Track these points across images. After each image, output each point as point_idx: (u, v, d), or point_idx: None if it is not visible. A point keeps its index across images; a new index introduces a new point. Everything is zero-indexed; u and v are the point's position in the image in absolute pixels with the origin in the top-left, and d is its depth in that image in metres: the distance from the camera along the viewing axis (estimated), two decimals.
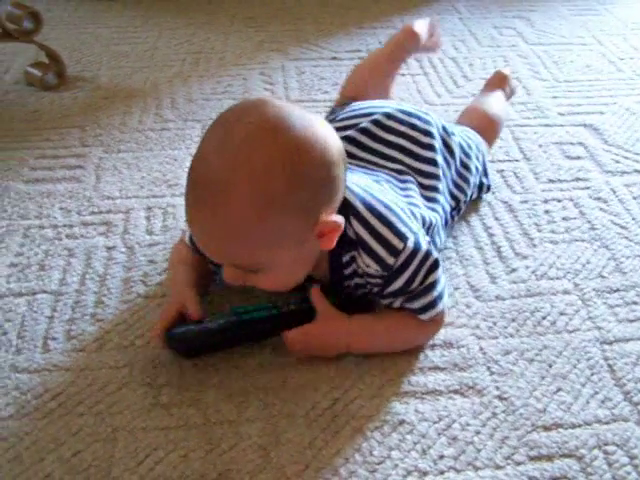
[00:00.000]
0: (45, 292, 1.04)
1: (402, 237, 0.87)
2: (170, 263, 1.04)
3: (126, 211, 1.20)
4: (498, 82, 1.41)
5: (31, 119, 1.47)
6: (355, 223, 0.88)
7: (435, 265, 0.90)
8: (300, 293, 0.93)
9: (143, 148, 1.37)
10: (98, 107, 1.51)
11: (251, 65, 1.70)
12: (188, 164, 1.27)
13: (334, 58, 1.74)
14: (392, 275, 0.88)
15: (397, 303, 0.92)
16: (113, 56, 1.74)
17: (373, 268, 0.89)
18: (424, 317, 0.92)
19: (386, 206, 0.89)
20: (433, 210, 1.02)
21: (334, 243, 0.84)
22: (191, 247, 0.97)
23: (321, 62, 1.72)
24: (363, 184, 0.91)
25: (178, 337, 0.90)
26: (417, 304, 0.91)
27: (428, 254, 0.89)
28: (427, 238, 0.91)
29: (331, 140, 0.81)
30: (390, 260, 0.87)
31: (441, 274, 0.91)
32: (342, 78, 1.61)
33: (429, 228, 0.98)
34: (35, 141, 1.39)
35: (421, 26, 1.35)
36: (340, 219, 0.83)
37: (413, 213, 0.94)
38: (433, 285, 0.90)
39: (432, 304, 0.91)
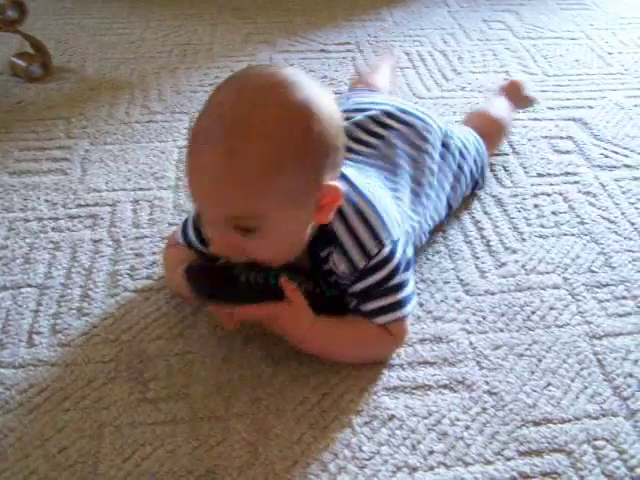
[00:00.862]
0: (30, 286, 1.02)
1: (379, 242, 0.86)
2: (167, 266, 1.00)
3: (112, 204, 1.19)
4: (508, 89, 1.41)
5: (16, 110, 1.45)
6: (336, 218, 0.85)
7: (403, 277, 0.89)
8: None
9: (130, 140, 1.36)
10: (84, 98, 1.49)
11: (239, 57, 1.68)
12: (176, 156, 1.30)
13: (322, 50, 1.73)
14: (359, 277, 0.87)
15: (354, 303, 0.90)
16: (99, 47, 1.72)
17: (341, 269, 0.87)
18: (378, 321, 0.89)
19: (371, 206, 0.87)
20: (415, 212, 1.00)
21: (330, 216, 0.83)
22: (185, 245, 0.96)
23: (309, 54, 1.70)
24: (353, 179, 0.89)
25: (204, 273, 0.86)
26: (369, 306, 0.89)
27: (398, 267, 0.87)
28: (409, 250, 0.91)
29: (336, 109, 0.81)
30: (361, 263, 0.86)
31: (407, 287, 0.90)
32: (330, 71, 1.62)
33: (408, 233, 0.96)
34: (20, 132, 1.37)
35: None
36: (341, 186, 0.81)
37: (402, 215, 0.94)
38: (394, 290, 0.88)
39: (385, 309, 0.89)
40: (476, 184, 1.20)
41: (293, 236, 0.83)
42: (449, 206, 1.12)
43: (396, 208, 0.94)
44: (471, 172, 1.16)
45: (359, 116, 1.04)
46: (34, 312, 0.98)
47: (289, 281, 0.85)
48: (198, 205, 0.81)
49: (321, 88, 0.79)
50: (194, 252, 0.95)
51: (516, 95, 1.41)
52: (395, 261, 0.87)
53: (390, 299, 0.89)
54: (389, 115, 1.06)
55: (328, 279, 0.91)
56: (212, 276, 0.85)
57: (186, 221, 0.97)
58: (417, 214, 1.00)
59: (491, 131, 1.29)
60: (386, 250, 0.86)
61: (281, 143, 0.73)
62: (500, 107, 1.36)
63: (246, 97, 0.74)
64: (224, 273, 0.84)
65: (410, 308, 0.91)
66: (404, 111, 1.07)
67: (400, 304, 0.89)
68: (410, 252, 0.91)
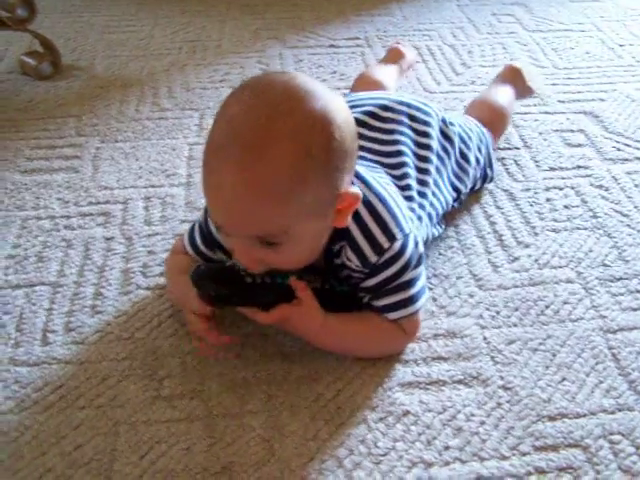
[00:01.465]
0: (43, 284, 1.02)
1: (391, 237, 0.85)
2: (169, 275, 0.99)
3: (124, 201, 1.19)
4: (510, 76, 1.40)
5: (26, 109, 1.45)
6: None
7: (415, 273, 0.88)
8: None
9: (140, 137, 1.36)
10: (94, 96, 1.49)
11: (248, 53, 1.68)
12: (186, 153, 1.30)
13: (332, 46, 1.72)
14: (371, 272, 0.87)
15: (366, 299, 0.90)
16: (108, 45, 1.72)
17: (354, 263, 0.87)
18: (390, 317, 0.89)
19: (383, 202, 0.87)
20: (421, 205, 0.99)
21: (348, 219, 0.83)
22: (193, 254, 0.95)
23: (319, 50, 1.70)
24: (365, 175, 0.89)
25: (209, 275, 0.85)
26: (381, 302, 0.89)
27: (410, 262, 0.87)
28: (420, 245, 0.90)
29: (348, 110, 0.80)
30: (373, 258, 0.86)
31: (418, 282, 0.90)
32: (340, 66, 1.61)
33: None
34: (31, 131, 1.38)
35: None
36: (359, 191, 0.81)
37: (410, 210, 0.94)
38: (406, 286, 0.88)
39: (398, 305, 0.89)
40: (486, 176, 1.19)
41: (314, 243, 0.83)
42: (457, 195, 1.11)
43: (405, 203, 0.94)
44: (477, 161, 1.15)
45: (356, 114, 1.03)
46: (48, 310, 0.98)
47: (299, 280, 0.85)
48: (219, 223, 0.80)
49: (333, 94, 0.78)
50: (201, 260, 0.95)
51: (516, 81, 1.40)
52: (407, 255, 0.86)
53: (402, 295, 0.88)
54: (386, 108, 1.05)
55: (340, 274, 0.91)
56: (218, 279, 0.84)
57: (192, 228, 0.96)
58: (423, 208, 0.99)
59: (494, 119, 1.28)
60: (397, 244, 0.85)
61: (302, 156, 0.72)
62: (502, 94, 1.36)
63: (262, 111, 0.72)
64: (230, 275, 0.84)
65: (421, 303, 0.91)
66: (401, 102, 1.07)
67: (412, 300, 0.89)
68: (421, 246, 0.91)
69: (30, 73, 1.56)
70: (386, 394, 0.87)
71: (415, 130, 1.04)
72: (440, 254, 1.08)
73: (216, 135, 0.75)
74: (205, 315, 0.88)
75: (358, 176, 0.87)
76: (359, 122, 1.01)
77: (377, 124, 1.03)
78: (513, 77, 1.39)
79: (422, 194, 1.00)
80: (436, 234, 1.05)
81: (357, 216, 0.85)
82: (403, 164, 0.99)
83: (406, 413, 0.85)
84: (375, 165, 0.97)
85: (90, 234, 1.12)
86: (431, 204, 1.01)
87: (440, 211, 1.05)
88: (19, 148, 1.32)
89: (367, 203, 0.85)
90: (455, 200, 1.11)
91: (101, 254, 1.08)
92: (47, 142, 1.34)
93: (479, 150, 1.16)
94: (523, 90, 1.41)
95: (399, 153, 1.00)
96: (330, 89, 0.79)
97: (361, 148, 0.92)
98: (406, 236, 0.87)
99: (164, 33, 1.78)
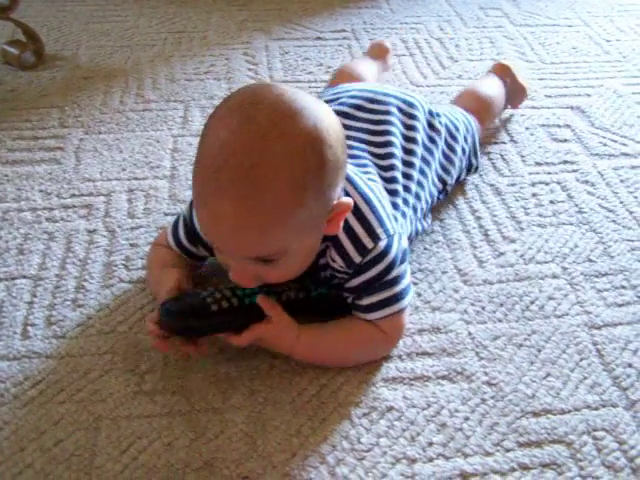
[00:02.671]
0: (24, 277, 1.01)
1: (375, 237, 0.85)
2: (150, 267, 0.98)
3: (107, 194, 1.17)
4: (498, 71, 1.38)
5: (8, 99, 1.43)
6: None
7: (399, 271, 0.87)
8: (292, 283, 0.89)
9: (124, 129, 1.34)
10: (78, 87, 1.48)
11: (234, 45, 1.67)
12: (171, 145, 1.29)
13: (318, 38, 1.71)
14: (355, 273, 0.86)
15: (350, 299, 0.89)
16: (93, 35, 1.70)
17: (338, 264, 0.86)
18: (370, 317, 0.88)
19: (368, 203, 0.86)
20: (405, 201, 0.98)
21: (340, 226, 0.82)
22: (176, 248, 0.94)
23: (305, 42, 1.69)
24: (352, 175, 0.88)
25: (175, 311, 0.83)
26: (365, 302, 0.88)
27: (395, 261, 0.86)
28: (404, 241, 0.89)
29: (337, 119, 0.79)
30: (357, 259, 0.85)
31: (403, 279, 0.88)
32: (326, 58, 1.60)
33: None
34: (13, 122, 1.36)
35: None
36: (350, 200, 0.81)
37: (395, 208, 0.93)
38: (391, 284, 0.87)
39: (381, 304, 0.87)
40: (470, 165, 1.18)
41: (309, 254, 0.82)
42: (443, 187, 1.11)
43: (390, 198, 0.93)
44: (464, 151, 1.14)
45: (342, 106, 1.02)
46: (28, 304, 0.97)
47: (266, 298, 0.84)
48: (217, 246, 0.80)
49: (322, 106, 0.77)
50: (182, 253, 0.95)
51: (505, 76, 1.37)
52: (391, 255, 0.85)
53: (387, 293, 0.87)
54: (372, 101, 1.04)
55: (322, 274, 0.90)
56: (186, 314, 0.82)
57: (177, 222, 0.95)
58: (407, 203, 0.98)
59: (480, 108, 1.27)
60: (382, 244, 0.85)
61: (298, 178, 0.71)
62: (489, 85, 1.35)
63: (253, 138, 0.70)
64: (197, 308, 0.82)
65: (407, 301, 0.90)
66: (387, 94, 1.05)
67: (397, 297, 0.88)
68: (405, 243, 0.90)
69: (12, 63, 1.54)
70: (370, 389, 0.87)
71: (403, 123, 1.03)
72: (425, 249, 1.08)
73: (207, 163, 0.73)
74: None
75: (348, 178, 0.85)
76: (345, 114, 1.00)
77: (364, 115, 1.02)
78: (502, 72, 1.37)
79: (407, 188, 0.98)
80: (421, 229, 1.04)
81: None
82: (391, 155, 0.98)
83: (390, 409, 0.85)
84: (363, 154, 0.96)
85: (72, 226, 1.10)
86: (416, 197, 1.01)
87: (424, 205, 1.04)
88: (1, 139, 1.30)
89: (354, 206, 0.84)
90: (440, 192, 1.10)
91: (83, 247, 1.06)
92: (29, 133, 1.32)
93: (465, 140, 1.15)
94: (514, 86, 1.38)
95: (388, 144, 0.99)
96: (317, 100, 0.78)
97: (348, 138, 0.91)
98: (390, 237, 0.86)
99: (149, 24, 1.77)
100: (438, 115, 1.10)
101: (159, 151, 1.28)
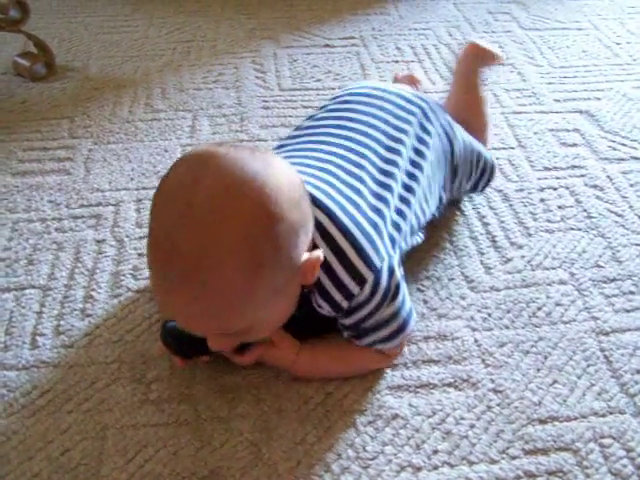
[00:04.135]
0: (33, 287, 1.02)
1: (361, 280, 0.80)
2: None
3: (116, 204, 1.18)
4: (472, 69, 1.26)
5: (19, 110, 1.45)
6: None
7: (394, 307, 0.84)
8: None
9: (133, 139, 1.35)
10: (88, 98, 1.49)
11: (243, 53, 1.67)
12: (179, 155, 1.29)
13: (327, 45, 1.71)
14: (345, 315, 0.84)
15: (346, 334, 0.88)
16: (103, 45, 1.71)
17: (325, 309, 0.83)
18: (375, 348, 0.88)
19: (348, 236, 0.80)
20: (399, 212, 0.91)
21: (315, 275, 0.77)
22: None
23: (314, 50, 1.69)
24: (329, 204, 0.81)
25: (176, 332, 0.84)
26: (364, 341, 0.86)
27: (385, 296, 0.82)
28: (397, 270, 0.84)
29: (290, 171, 0.74)
30: (344, 303, 0.81)
31: (401, 311, 0.85)
32: (335, 66, 1.61)
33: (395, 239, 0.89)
34: (23, 132, 1.37)
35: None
36: (319, 252, 0.76)
37: (379, 231, 0.85)
38: (387, 321, 0.85)
39: (382, 340, 0.86)
40: (476, 185, 1.14)
41: (285, 312, 0.79)
42: (439, 200, 1.03)
43: (380, 222, 0.86)
44: (468, 178, 1.09)
45: (352, 103, 1.00)
46: (37, 314, 0.98)
47: None
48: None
49: (266, 162, 0.71)
50: None
51: (478, 64, 1.25)
52: (380, 293, 0.81)
53: (386, 331, 0.85)
54: (402, 106, 1.00)
55: (313, 314, 0.86)
56: (185, 336, 0.81)
57: None
58: (402, 215, 0.91)
59: (479, 129, 1.20)
60: (368, 286, 0.80)
61: (249, 260, 0.67)
62: (478, 110, 1.24)
63: (194, 225, 0.66)
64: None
65: (409, 329, 0.88)
66: (412, 102, 1.02)
67: (398, 331, 0.86)
68: (397, 270, 0.84)
69: (24, 74, 1.55)
70: (375, 397, 0.87)
71: (417, 136, 0.99)
72: (432, 255, 1.07)
73: (157, 252, 0.69)
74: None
75: (320, 205, 0.80)
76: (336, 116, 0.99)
77: (394, 122, 0.98)
78: (475, 65, 1.25)
79: (405, 200, 0.92)
80: (415, 243, 0.98)
81: (324, 261, 0.79)
82: (395, 163, 0.93)
83: (395, 417, 0.85)
84: (363, 157, 0.92)
85: (81, 236, 1.11)
86: (415, 213, 0.94)
87: (423, 220, 0.98)
88: (11, 150, 1.32)
89: (333, 246, 0.80)
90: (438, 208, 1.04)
91: (92, 257, 1.07)
92: (39, 144, 1.34)
93: (474, 169, 1.10)
94: (484, 59, 1.25)
95: (397, 152, 0.95)
96: (261, 156, 0.72)
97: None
98: (379, 271, 0.81)
99: (159, 33, 1.78)
100: (456, 138, 1.05)
101: (167, 161, 1.29)
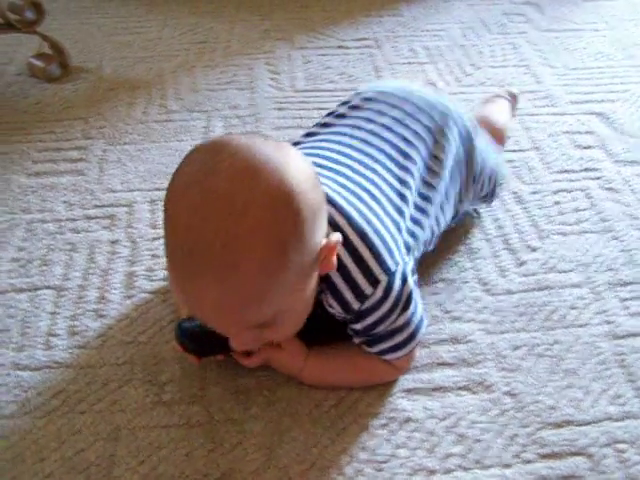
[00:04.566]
0: (47, 287, 1.02)
1: (373, 281, 0.79)
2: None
3: (129, 204, 1.18)
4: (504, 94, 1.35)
5: (34, 111, 1.45)
6: None
7: (406, 315, 0.83)
8: None
9: (147, 140, 1.36)
10: (101, 98, 1.49)
11: (257, 55, 1.67)
12: None
13: (341, 47, 1.71)
14: (355, 318, 0.82)
15: (357, 340, 0.86)
16: (116, 46, 1.72)
17: (336, 310, 0.82)
18: (382, 357, 0.86)
19: (363, 236, 0.80)
20: (416, 222, 0.90)
21: (334, 262, 0.76)
22: None
23: (328, 51, 1.69)
24: (346, 206, 0.81)
25: (189, 332, 0.85)
26: (375, 349, 0.85)
27: (397, 303, 0.81)
28: (410, 278, 0.83)
29: (303, 158, 0.74)
30: (355, 305, 0.80)
31: (413, 319, 0.84)
32: (349, 67, 1.61)
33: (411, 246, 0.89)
34: (38, 133, 1.38)
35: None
36: (337, 236, 0.75)
37: (394, 236, 0.84)
38: (400, 329, 0.83)
39: (393, 349, 0.85)
40: (485, 198, 1.12)
41: (308, 303, 0.77)
42: (456, 210, 1.02)
43: (394, 228, 0.85)
44: (481, 188, 1.07)
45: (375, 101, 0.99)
46: (51, 314, 0.98)
47: None
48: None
49: (282, 151, 0.71)
50: None
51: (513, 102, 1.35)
52: (392, 299, 0.80)
53: (397, 339, 0.84)
54: (428, 112, 0.98)
55: (323, 317, 0.85)
56: (198, 336, 0.83)
57: None
58: (421, 226, 0.91)
59: (496, 139, 1.21)
60: (381, 289, 0.79)
61: (275, 244, 0.66)
62: (502, 111, 1.30)
63: (216, 212, 0.65)
64: (209, 330, 0.78)
65: (420, 336, 0.86)
66: (433, 107, 1.00)
67: (409, 339, 0.85)
68: (411, 280, 0.83)
69: (39, 75, 1.56)
70: (388, 400, 0.87)
71: (436, 142, 0.96)
72: (446, 258, 1.07)
73: (177, 248, 0.68)
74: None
75: (336, 206, 0.80)
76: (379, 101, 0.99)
77: (413, 126, 0.96)
78: (510, 96, 1.35)
79: (421, 209, 0.91)
80: (428, 249, 0.98)
81: (338, 260, 0.78)
82: (410, 170, 0.92)
83: (408, 419, 0.84)
84: (380, 154, 0.91)
85: (95, 237, 1.12)
86: (431, 222, 0.94)
87: (438, 230, 0.97)
88: (25, 151, 1.32)
89: (348, 244, 0.79)
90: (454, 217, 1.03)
91: (106, 257, 1.08)
92: (54, 145, 1.34)
93: (489, 180, 1.09)
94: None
95: (412, 159, 0.93)
96: (276, 145, 0.72)
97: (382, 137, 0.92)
98: (392, 274, 0.80)
99: (172, 34, 1.78)
100: (476, 147, 1.03)
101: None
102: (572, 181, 1.24)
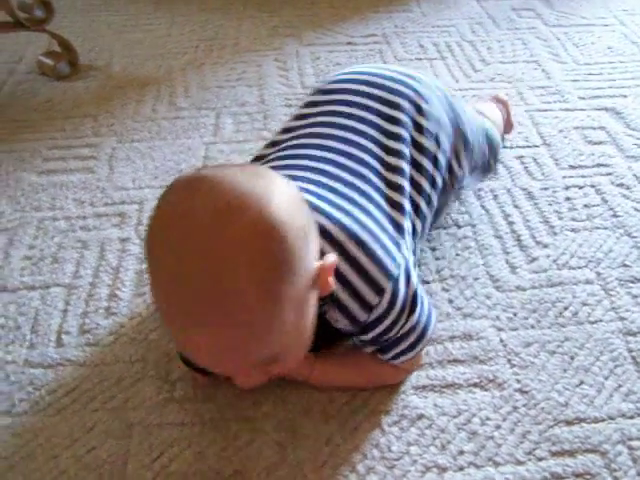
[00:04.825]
0: (59, 285, 1.03)
1: (379, 290, 0.77)
2: None
3: (140, 202, 1.19)
4: (496, 102, 1.33)
5: (44, 109, 1.46)
6: None
7: (414, 318, 0.81)
8: None
9: (156, 137, 1.36)
10: (111, 96, 1.50)
11: (265, 51, 1.67)
12: (202, 153, 1.30)
13: (349, 43, 1.71)
14: (363, 330, 0.80)
15: (368, 349, 0.84)
16: (126, 44, 1.72)
17: (342, 323, 0.79)
18: (391, 362, 0.85)
19: (364, 248, 0.77)
20: (414, 212, 0.88)
21: (332, 283, 0.72)
22: None
23: (336, 47, 1.69)
24: (334, 214, 0.78)
25: None
26: (388, 355, 0.84)
27: (404, 308, 0.79)
28: (414, 277, 0.81)
29: (283, 180, 0.69)
30: (362, 317, 0.77)
31: (421, 320, 0.82)
32: (358, 63, 1.59)
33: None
34: (48, 131, 1.38)
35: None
36: (332, 256, 0.72)
37: (389, 234, 0.82)
38: (409, 333, 0.82)
39: (405, 352, 0.84)
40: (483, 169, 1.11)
41: (309, 329, 0.72)
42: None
43: (389, 225, 0.83)
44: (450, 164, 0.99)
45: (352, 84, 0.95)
46: (63, 312, 0.98)
47: None
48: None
49: (261, 179, 0.66)
50: None
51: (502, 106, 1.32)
52: (399, 303, 0.78)
53: (407, 342, 0.83)
54: (385, 79, 0.95)
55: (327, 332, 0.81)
56: None
57: None
58: (421, 217, 0.89)
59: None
60: (387, 297, 0.77)
61: (269, 269, 0.62)
62: (489, 109, 1.27)
63: (198, 259, 0.61)
64: None
65: (428, 335, 0.85)
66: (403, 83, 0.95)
67: (418, 340, 0.83)
68: (415, 278, 0.81)
69: (48, 73, 1.56)
70: (400, 397, 0.86)
71: (415, 122, 0.92)
72: (457, 255, 1.07)
73: (164, 291, 0.65)
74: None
75: (327, 215, 0.77)
76: (353, 91, 0.94)
77: (376, 92, 0.93)
78: (499, 103, 1.32)
79: (414, 201, 0.88)
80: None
81: (340, 275, 0.75)
82: (401, 154, 0.89)
83: (420, 417, 0.84)
84: (366, 157, 0.87)
85: (105, 235, 1.12)
86: (424, 216, 0.91)
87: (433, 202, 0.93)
88: (36, 149, 1.33)
89: (348, 257, 0.76)
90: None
91: (116, 255, 1.08)
92: (64, 142, 1.34)
93: (479, 148, 1.06)
94: (507, 121, 1.31)
95: (399, 137, 0.90)
96: (254, 171, 0.69)
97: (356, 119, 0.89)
98: (396, 279, 0.78)
99: (181, 32, 1.78)
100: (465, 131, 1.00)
101: (191, 158, 1.29)
102: (583, 177, 1.23)
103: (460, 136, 0.98)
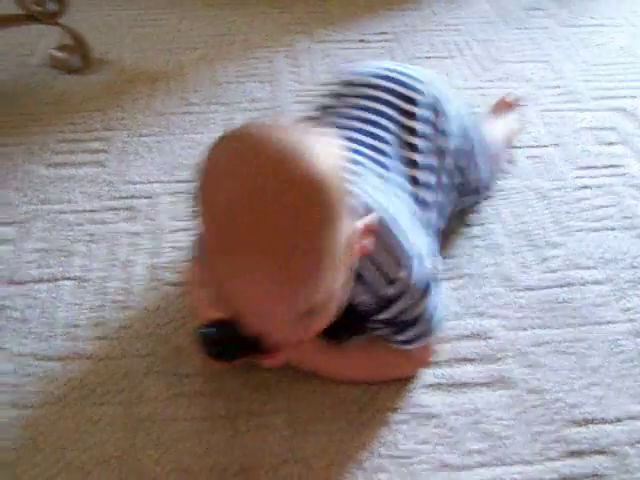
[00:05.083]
0: (68, 279, 1.03)
1: (400, 266, 0.79)
2: (190, 285, 0.96)
3: (149, 196, 1.18)
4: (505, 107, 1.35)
5: (54, 102, 1.45)
6: None
7: (429, 300, 0.82)
8: None
9: (166, 132, 1.36)
10: (122, 90, 1.49)
11: (276, 47, 1.67)
12: None
13: (361, 41, 1.70)
14: (385, 305, 0.81)
15: (382, 332, 0.85)
16: (137, 38, 1.71)
17: (365, 300, 0.80)
18: (408, 347, 0.86)
19: (390, 226, 0.79)
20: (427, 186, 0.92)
21: (369, 243, 0.74)
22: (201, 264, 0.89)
23: (347, 45, 1.68)
24: (371, 191, 0.81)
25: (211, 338, 0.84)
26: (402, 337, 0.84)
27: (419, 286, 0.80)
28: (427, 262, 0.82)
29: (330, 140, 0.71)
30: (383, 291, 0.79)
31: (430, 302, 0.83)
32: (369, 61, 1.59)
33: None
34: (58, 125, 1.38)
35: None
36: (373, 216, 0.75)
37: (407, 216, 0.85)
38: (422, 316, 0.83)
39: (419, 336, 0.84)
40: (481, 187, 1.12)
41: (347, 284, 0.74)
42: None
43: (406, 208, 0.86)
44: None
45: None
46: (72, 305, 0.98)
47: None
48: (259, 332, 0.73)
49: (312, 136, 0.69)
50: None
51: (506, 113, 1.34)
52: (420, 282, 0.80)
53: (422, 327, 0.84)
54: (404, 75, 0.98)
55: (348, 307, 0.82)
56: (222, 340, 0.82)
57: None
58: (430, 189, 0.93)
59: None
60: (406, 272, 0.79)
61: (325, 209, 0.64)
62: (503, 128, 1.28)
63: (262, 192, 0.62)
64: (231, 332, 0.78)
65: (442, 324, 0.87)
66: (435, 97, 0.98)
67: (432, 327, 0.85)
68: (428, 261, 0.83)
69: (60, 67, 1.56)
70: (409, 396, 0.86)
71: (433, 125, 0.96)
72: (467, 254, 1.06)
73: (219, 239, 0.66)
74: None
75: (366, 192, 0.80)
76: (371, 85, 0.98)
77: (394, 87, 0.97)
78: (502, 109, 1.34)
79: (428, 185, 0.93)
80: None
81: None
82: (415, 147, 0.93)
83: (429, 415, 0.84)
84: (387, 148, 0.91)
85: (115, 229, 1.12)
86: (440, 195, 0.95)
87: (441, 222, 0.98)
88: (46, 142, 1.32)
89: (375, 233, 0.76)
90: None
91: (126, 249, 1.08)
92: (73, 136, 1.34)
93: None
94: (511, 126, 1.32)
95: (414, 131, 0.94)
96: (308, 130, 0.71)
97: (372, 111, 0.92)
98: (410, 265, 0.79)
99: (192, 27, 1.78)
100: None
101: (200, 154, 1.28)
102: (595, 177, 1.23)
103: (469, 141, 1.02)
